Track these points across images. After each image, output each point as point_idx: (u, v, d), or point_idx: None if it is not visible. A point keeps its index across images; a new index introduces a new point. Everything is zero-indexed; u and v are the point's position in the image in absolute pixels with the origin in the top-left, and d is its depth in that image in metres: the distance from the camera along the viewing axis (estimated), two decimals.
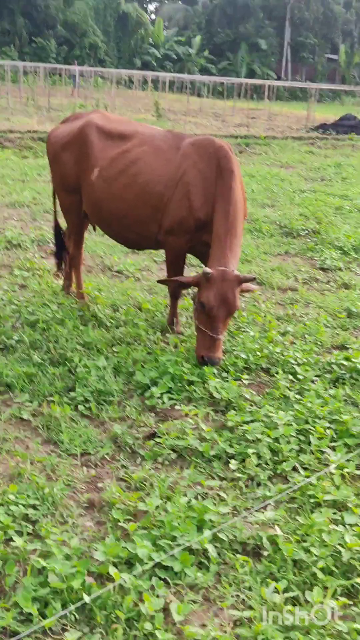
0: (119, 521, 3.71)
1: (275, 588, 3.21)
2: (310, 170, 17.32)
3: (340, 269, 8.95)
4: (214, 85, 44.27)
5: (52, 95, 29.80)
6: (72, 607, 3.04)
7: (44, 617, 3.02)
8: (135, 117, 27.31)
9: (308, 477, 4.20)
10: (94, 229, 7.18)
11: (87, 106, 29.26)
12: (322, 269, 8.98)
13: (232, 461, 4.36)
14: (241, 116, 31.77)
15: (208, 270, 5.46)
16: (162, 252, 8.91)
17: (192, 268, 8.50)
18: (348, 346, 6.32)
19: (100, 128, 6.47)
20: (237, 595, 3.29)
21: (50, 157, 6.79)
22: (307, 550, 3.55)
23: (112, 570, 3.23)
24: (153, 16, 71.49)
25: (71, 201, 6.71)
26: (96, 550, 3.41)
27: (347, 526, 3.75)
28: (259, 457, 4.43)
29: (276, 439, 4.58)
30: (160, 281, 6.25)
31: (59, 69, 39.52)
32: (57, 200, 7.05)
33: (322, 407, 5.03)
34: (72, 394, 5.13)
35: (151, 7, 76.77)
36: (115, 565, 3.38)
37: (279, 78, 62.60)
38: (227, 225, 5.72)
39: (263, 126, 28.36)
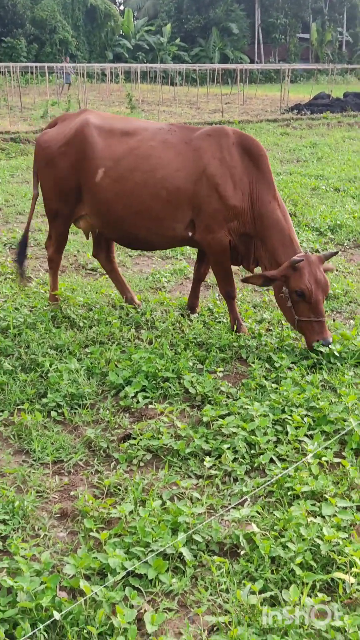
0: (91, 530, 3.60)
1: (251, 589, 3.11)
2: (285, 152, 17.17)
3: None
4: (187, 73, 43.96)
5: (24, 94, 29.52)
6: (41, 627, 2.93)
7: (13, 639, 2.91)
8: (109, 109, 27.13)
9: (285, 468, 4.10)
10: (86, 237, 6.92)
11: (60, 103, 29.02)
12: None
13: (208, 458, 4.25)
14: (215, 102, 31.57)
15: (296, 258, 5.52)
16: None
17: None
18: None
19: (99, 127, 6.20)
20: (214, 600, 3.19)
21: (43, 162, 6.38)
22: (284, 546, 3.44)
23: (83, 584, 3.11)
24: (122, 7, 70.81)
25: (61, 207, 6.37)
26: (67, 564, 3.30)
27: (325, 517, 3.66)
28: (235, 451, 4.33)
29: (252, 432, 4.47)
30: (244, 280, 5.88)
31: (31, 67, 39.17)
32: (33, 208, 6.72)
33: (299, 394, 4.92)
34: (44, 400, 5.00)
35: None
36: (87, 577, 3.27)
37: (252, 61, 62.26)
38: (282, 210, 5.90)
39: (237, 110, 28.19)
